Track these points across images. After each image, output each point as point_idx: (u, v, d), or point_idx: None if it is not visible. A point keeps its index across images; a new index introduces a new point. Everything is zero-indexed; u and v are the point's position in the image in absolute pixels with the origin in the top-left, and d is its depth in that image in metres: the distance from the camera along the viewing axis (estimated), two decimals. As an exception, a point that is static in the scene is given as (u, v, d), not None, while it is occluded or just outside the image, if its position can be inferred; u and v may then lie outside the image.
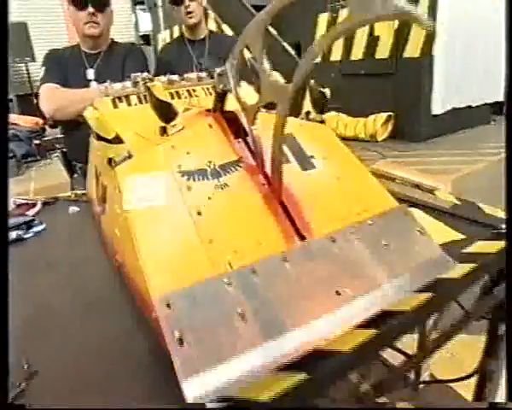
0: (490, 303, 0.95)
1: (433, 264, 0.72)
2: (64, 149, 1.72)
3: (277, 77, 0.63)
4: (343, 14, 6.26)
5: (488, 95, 6.57)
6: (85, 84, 1.52)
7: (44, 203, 1.32)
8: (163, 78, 1.16)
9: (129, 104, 1.02)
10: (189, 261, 0.59)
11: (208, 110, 0.86)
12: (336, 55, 6.77)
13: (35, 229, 1.10)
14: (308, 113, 0.95)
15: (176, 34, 6.16)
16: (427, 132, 6.00)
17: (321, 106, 0.95)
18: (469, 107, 6.40)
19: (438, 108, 5.87)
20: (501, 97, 6.54)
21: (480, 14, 5.75)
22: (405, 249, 0.71)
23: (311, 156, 0.81)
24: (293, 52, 5.70)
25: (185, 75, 1.22)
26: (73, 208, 1.23)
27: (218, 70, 0.75)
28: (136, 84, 1.12)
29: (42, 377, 0.57)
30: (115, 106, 1.01)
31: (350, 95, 6.53)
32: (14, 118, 3.17)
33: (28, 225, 1.11)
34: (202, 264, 0.58)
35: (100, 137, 0.71)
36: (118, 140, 0.71)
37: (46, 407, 0.53)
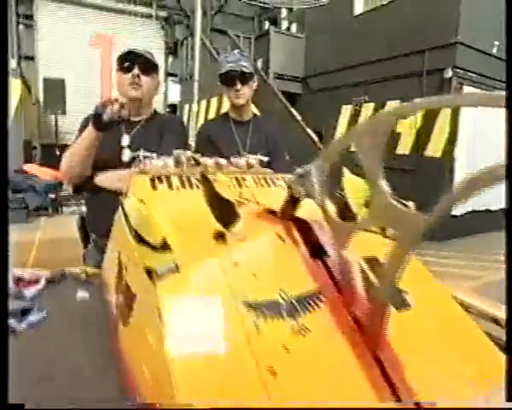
0: None
1: None
2: (83, 214, 1.56)
3: (392, 198, 0.47)
4: (367, 107, 6.53)
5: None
6: (118, 150, 1.41)
7: (50, 280, 1.13)
8: (209, 160, 1.04)
9: (169, 187, 0.88)
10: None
11: (272, 212, 0.71)
12: (357, 145, 6.95)
13: (32, 318, 0.90)
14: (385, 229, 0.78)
15: (213, 105, 6.35)
16: (444, 232, 5.87)
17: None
18: (488, 210, 6.35)
19: (458, 208, 5.80)
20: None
21: (503, 123, 5.92)
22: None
23: (404, 291, 0.62)
24: (316, 138, 5.85)
25: (232, 159, 1.10)
26: (83, 294, 1.04)
27: (298, 170, 0.61)
28: (178, 163, 0.99)
29: None
30: (154, 187, 0.86)
31: (368, 185, 6.56)
32: (33, 169, 3.12)
33: (24, 310, 0.91)
34: None
35: (140, 238, 0.54)
36: (164, 246, 0.54)
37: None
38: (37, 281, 1.10)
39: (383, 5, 5.87)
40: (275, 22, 8.72)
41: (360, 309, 0.53)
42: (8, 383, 0.53)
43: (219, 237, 0.60)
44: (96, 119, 1.24)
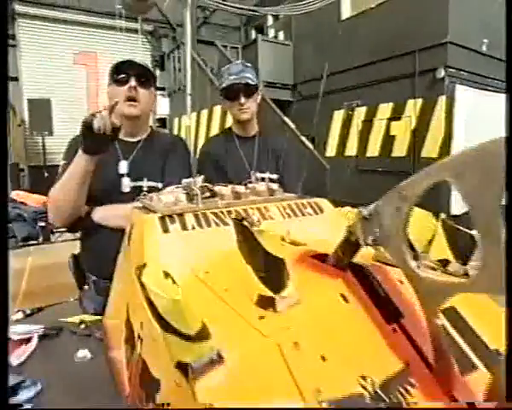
0: None
1: None
2: (76, 253, 1.39)
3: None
4: (359, 111, 6.46)
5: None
6: (116, 179, 1.25)
7: (43, 336, 0.98)
8: (224, 189, 0.90)
9: (184, 227, 0.74)
10: None
11: (317, 256, 0.57)
12: (352, 150, 6.87)
13: (24, 395, 0.75)
14: (446, 262, 0.65)
15: (203, 117, 6.24)
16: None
17: (465, 250, 0.66)
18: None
19: (457, 208, 5.74)
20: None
21: (497, 118, 5.90)
22: None
23: (495, 350, 0.50)
24: (311, 146, 5.76)
25: (250, 185, 0.97)
26: (83, 353, 0.89)
27: (363, 210, 0.48)
28: (191, 198, 0.84)
29: None
30: (165, 229, 0.73)
31: (365, 190, 6.46)
32: (22, 196, 2.94)
33: (15, 386, 0.76)
34: None
35: (168, 326, 0.40)
36: (202, 333, 0.40)
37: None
38: (29, 340, 0.95)
39: (371, 8, 5.84)
40: (261, 31, 8.67)
41: (464, 396, 0.40)
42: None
43: (267, 303, 0.46)
44: (87, 132, 1.04)
